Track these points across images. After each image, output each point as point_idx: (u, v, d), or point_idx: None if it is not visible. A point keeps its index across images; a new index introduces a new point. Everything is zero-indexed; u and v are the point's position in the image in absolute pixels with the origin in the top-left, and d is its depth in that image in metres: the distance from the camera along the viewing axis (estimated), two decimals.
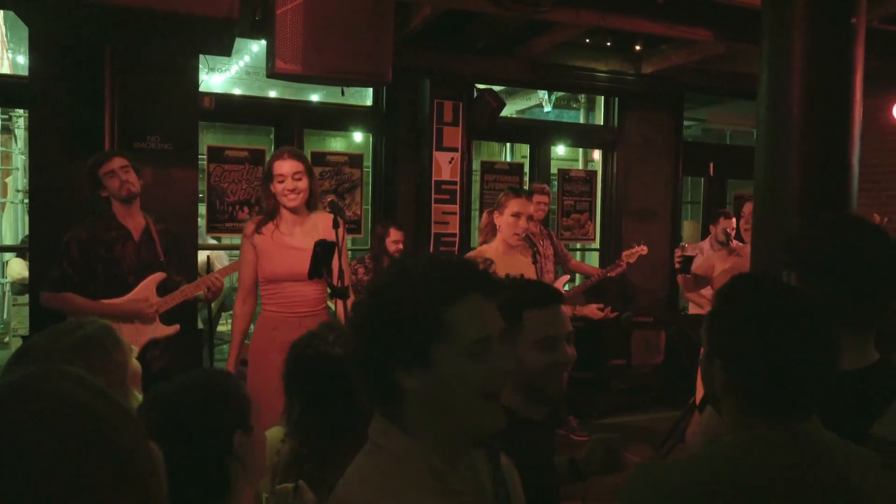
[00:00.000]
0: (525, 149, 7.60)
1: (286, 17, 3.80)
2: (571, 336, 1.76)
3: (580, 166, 8.64)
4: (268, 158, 5.58)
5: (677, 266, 4.65)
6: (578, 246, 7.73)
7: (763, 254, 3.21)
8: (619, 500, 1.25)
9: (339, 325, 1.96)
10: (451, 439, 1.17)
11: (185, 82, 4.91)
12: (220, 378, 1.58)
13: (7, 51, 7.12)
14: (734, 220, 5.96)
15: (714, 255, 5.11)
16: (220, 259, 5.69)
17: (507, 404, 1.29)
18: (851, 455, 1.20)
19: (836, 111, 3.04)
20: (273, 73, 3.93)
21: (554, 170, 7.27)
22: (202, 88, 5.53)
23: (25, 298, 6.03)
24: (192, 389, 1.49)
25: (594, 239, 7.30)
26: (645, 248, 5.69)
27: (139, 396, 1.73)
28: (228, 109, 5.84)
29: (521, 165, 7.22)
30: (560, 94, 8.72)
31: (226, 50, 4.56)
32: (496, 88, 6.34)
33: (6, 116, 8.21)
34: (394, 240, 5.10)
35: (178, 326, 3.68)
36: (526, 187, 5.93)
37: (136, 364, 1.75)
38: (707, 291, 4.92)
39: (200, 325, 5.13)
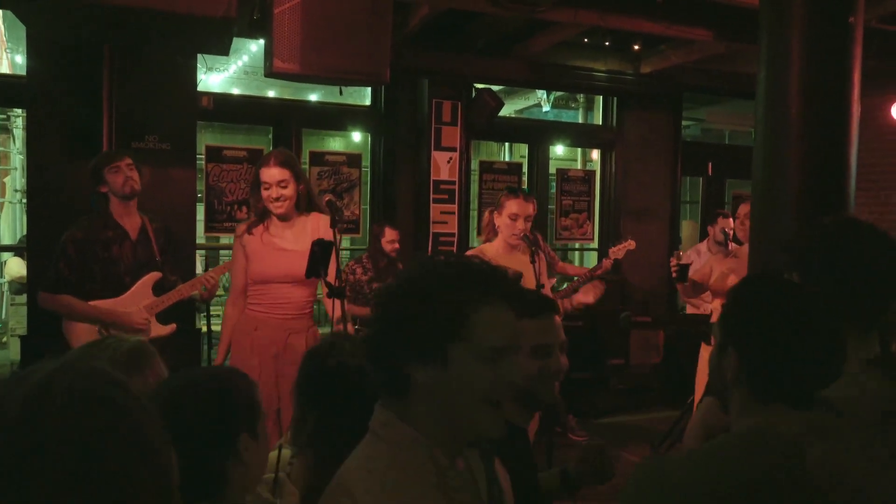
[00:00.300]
0: (524, 148, 7.60)
1: (284, 17, 3.80)
2: (565, 345, 1.77)
3: (579, 166, 8.64)
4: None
5: (674, 275, 4.63)
6: (577, 246, 7.73)
7: (761, 253, 3.21)
8: (621, 499, 1.26)
9: (352, 335, 1.95)
10: (452, 437, 1.18)
11: (184, 82, 4.91)
12: (232, 376, 1.57)
13: (6, 50, 7.11)
14: (732, 220, 5.96)
15: (711, 258, 5.10)
16: None
17: None
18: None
19: (834, 110, 3.04)
20: (271, 73, 3.93)
21: (552, 169, 7.27)
22: (200, 88, 5.53)
23: (23, 298, 6.02)
24: (202, 384, 1.48)
25: (592, 239, 7.30)
26: (632, 242, 5.60)
27: None
28: (227, 109, 5.84)
29: (520, 165, 7.22)
30: (559, 93, 8.72)
31: (224, 49, 4.56)
32: (495, 88, 6.34)
33: (4, 116, 8.21)
34: (389, 239, 5.08)
35: (174, 326, 3.68)
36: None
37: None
38: (707, 296, 4.90)
39: (199, 325, 5.13)
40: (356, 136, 7.29)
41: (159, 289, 3.65)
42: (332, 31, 3.90)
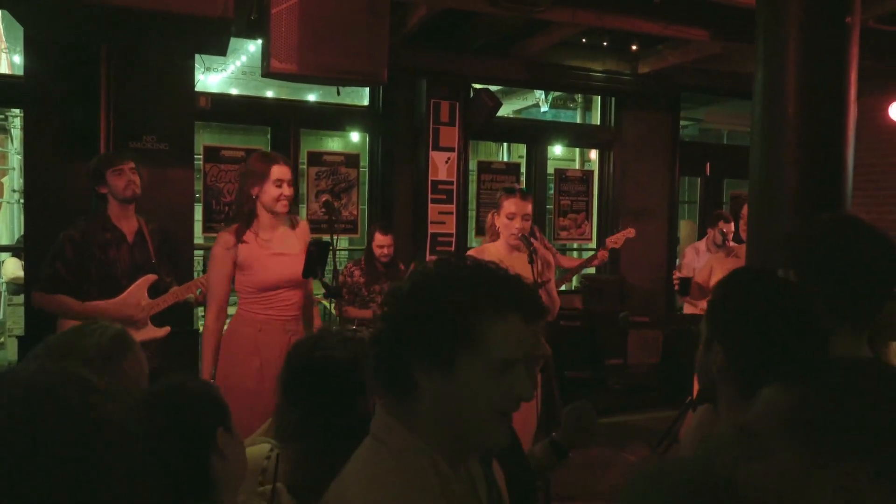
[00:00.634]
0: (522, 148, 7.61)
1: (281, 17, 3.79)
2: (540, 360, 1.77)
3: (577, 166, 8.64)
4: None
5: (676, 289, 4.63)
6: (575, 246, 7.73)
7: (759, 252, 3.21)
8: (618, 501, 1.27)
9: (339, 329, 1.95)
10: (456, 445, 1.15)
11: (181, 82, 4.91)
12: (198, 381, 1.62)
13: (4, 51, 7.11)
14: (732, 223, 5.96)
15: (712, 258, 5.10)
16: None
17: None
18: None
19: (831, 110, 3.04)
20: (268, 73, 3.92)
21: (551, 170, 7.27)
22: (198, 88, 5.53)
23: (21, 298, 6.02)
24: (173, 390, 1.51)
25: (591, 239, 7.30)
26: (632, 230, 5.59)
27: None
28: (225, 109, 5.84)
29: (518, 165, 7.22)
30: (557, 93, 8.73)
31: (221, 49, 4.55)
32: (493, 88, 6.35)
33: (2, 116, 8.21)
34: (378, 244, 4.96)
35: (168, 328, 3.67)
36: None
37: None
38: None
39: (196, 326, 5.13)
40: (354, 136, 7.30)
41: (155, 291, 3.64)
42: (329, 30, 3.90)
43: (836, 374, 0.96)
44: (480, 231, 6.58)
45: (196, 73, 5.19)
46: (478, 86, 6.30)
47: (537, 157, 7.13)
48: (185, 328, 4.82)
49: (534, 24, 5.68)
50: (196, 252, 5.80)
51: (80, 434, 0.73)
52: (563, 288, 5.66)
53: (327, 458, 1.77)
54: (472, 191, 6.66)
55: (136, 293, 3.57)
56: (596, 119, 7.53)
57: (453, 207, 6.21)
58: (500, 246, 3.84)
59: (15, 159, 8.31)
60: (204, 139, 6.39)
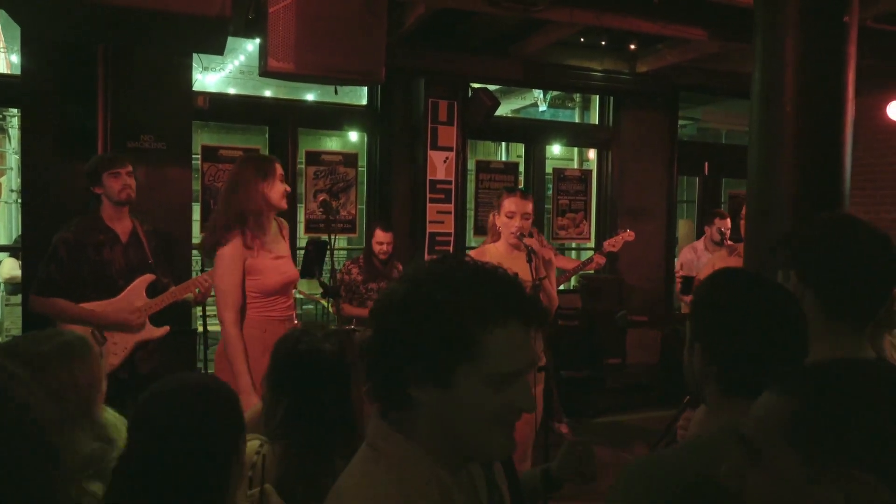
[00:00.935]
0: (520, 148, 7.61)
1: (279, 16, 3.79)
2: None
3: (575, 165, 8.65)
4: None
5: (678, 289, 4.64)
6: (574, 245, 7.73)
7: (757, 251, 3.21)
8: (609, 495, 1.28)
9: (324, 322, 1.96)
10: (455, 454, 1.11)
11: (179, 81, 4.90)
12: (219, 381, 1.60)
13: (1, 50, 7.10)
14: (729, 220, 5.97)
15: (714, 256, 5.10)
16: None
17: None
18: None
19: (829, 109, 3.04)
20: (266, 72, 3.92)
21: (549, 169, 7.27)
22: (196, 88, 5.53)
23: (19, 298, 6.01)
24: (199, 389, 1.50)
25: (589, 238, 7.30)
26: (631, 233, 5.60)
27: (110, 410, 1.72)
28: (223, 109, 5.83)
29: (517, 165, 7.22)
30: (555, 93, 8.73)
31: (219, 49, 4.54)
32: (491, 87, 6.34)
33: (0, 116, 8.19)
34: (378, 241, 4.99)
35: (167, 328, 3.67)
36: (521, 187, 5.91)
37: (104, 385, 1.75)
38: None
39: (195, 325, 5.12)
40: (352, 135, 7.29)
41: (152, 291, 3.64)
42: (327, 30, 3.89)
43: (836, 377, 0.94)
44: (479, 230, 6.58)
45: (194, 72, 5.18)
46: (476, 85, 6.30)
47: (536, 157, 7.13)
48: (184, 328, 4.82)
49: (532, 23, 5.68)
50: (194, 252, 5.80)
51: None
52: (561, 288, 5.65)
53: (315, 451, 1.77)
54: (471, 190, 6.66)
55: (134, 294, 3.56)
56: (594, 118, 7.53)
57: (451, 207, 6.20)
58: (500, 246, 3.84)
59: (13, 159, 8.30)
60: (202, 139, 6.39)
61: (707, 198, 7.84)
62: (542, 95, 8.85)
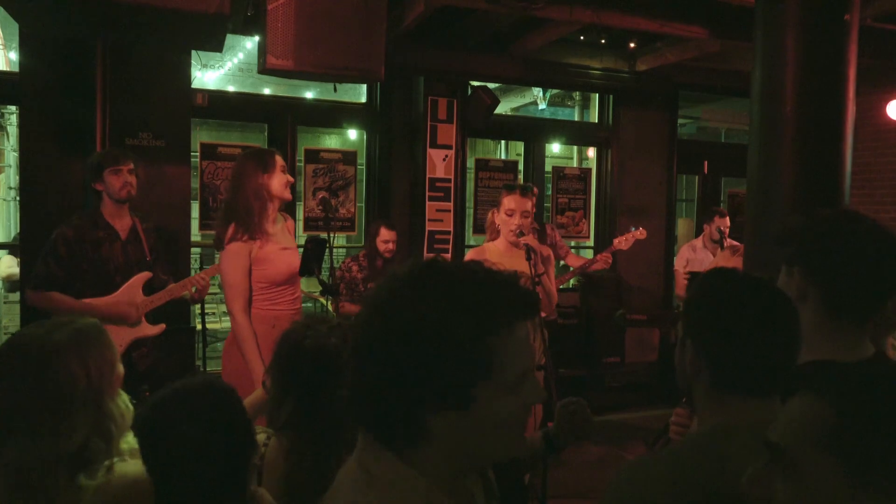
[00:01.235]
0: (520, 146, 7.59)
1: (277, 13, 3.78)
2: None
3: (575, 164, 8.64)
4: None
5: (685, 284, 4.63)
6: (573, 244, 7.72)
7: (756, 250, 3.21)
8: (605, 494, 1.28)
9: (328, 316, 1.96)
10: (461, 471, 1.05)
11: (178, 79, 4.90)
12: (219, 379, 1.63)
13: (1, 47, 7.08)
14: (728, 218, 5.96)
15: (719, 257, 5.10)
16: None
17: None
18: None
19: (830, 109, 3.04)
20: (264, 69, 3.91)
21: (548, 167, 7.27)
22: (195, 85, 5.52)
23: (17, 296, 6.00)
24: (226, 391, 1.53)
25: (588, 237, 7.30)
26: (643, 231, 5.58)
27: (125, 396, 1.72)
28: (221, 106, 5.82)
29: (516, 163, 7.21)
30: (555, 91, 8.71)
31: (218, 46, 4.53)
32: (490, 86, 6.33)
33: None
34: (384, 239, 4.99)
35: (163, 326, 3.66)
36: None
37: (120, 368, 1.74)
38: None
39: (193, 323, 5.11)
40: (352, 133, 7.27)
41: (150, 288, 3.63)
42: (326, 27, 3.89)
43: (877, 382, 0.89)
44: (478, 229, 6.57)
45: (193, 70, 5.17)
46: (475, 83, 6.29)
47: (535, 155, 7.12)
48: (182, 325, 4.82)
49: (531, 21, 5.67)
50: (193, 249, 5.79)
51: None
52: (560, 286, 5.64)
53: (320, 446, 1.77)
54: (470, 188, 6.65)
55: (131, 290, 3.56)
56: (594, 117, 7.52)
57: (451, 205, 6.20)
58: (499, 244, 3.85)
59: (11, 156, 8.28)
60: (201, 136, 6.37)
61: (706, 196, 7.84)
62: (541, 93, 8.84)
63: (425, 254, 6.01)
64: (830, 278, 1.54)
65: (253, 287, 3.21)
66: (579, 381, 6.41)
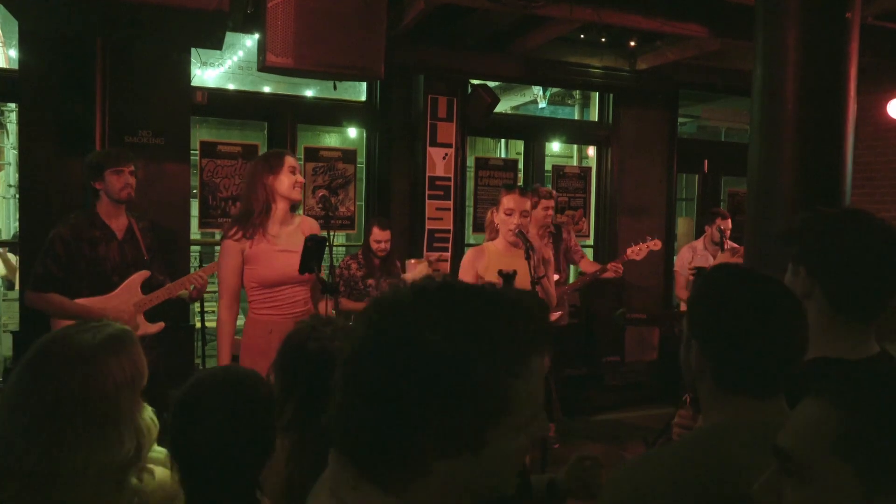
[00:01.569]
0: (520, 145, 7.59)
1: (277, 11, 3.78)
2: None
3: (574, 163, 8.63)
4: (261, 153, 5.57)
5: (690, 279, 4.63)
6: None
7: (757, 250, 3.21)
8: (604, 493, 1.28)
9: (332, 318, 1.95)
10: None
11: (177, 77, 4.89)
12: (256, 373, 1.67)
13: (1, 44, 7.07)
14: (729, 220, 5.95)
15: (718, 259, 5.11)
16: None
17: None
18: None
19: (831, 107, 3.03)
20: (264, 67, 3.91)
21: (548, 166, 7.26)
22: (195, 83, 5.51)
23: (16, 294, 5.99)
24: (259, 379, 1.57)
25: (588, 235, 7.29)
26: (658, 242, 5.53)
27: (149, 408, 1.71)
28: (221, 104, 5.81)
29: (516, 162, 7.20)
30: (555, 90, 8.71)
31: (217, 44, 4.53)
32: (490, 84, 6.32)
33: None
34: (376, 238, 4.96)
35: (162, 324, 3.65)
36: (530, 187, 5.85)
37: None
38: None
39: (193, 321, 5.11)
40: (352, 131, 7.27)
41: (148, 287, 3.63)
42: (325, 25, 3.88)
43: (873, 383, 0.87)
44: (478, 228, 6.56)
45: (193, 68, 5.16)
46: (475, 82, 6.28)
47: (535, 154, 7.11)
48: (181, 324, 4.81)
49: (531, 19, 5.66)
50: (192, 247, 5.79)
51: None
52: (570, 291, 5.64)
53: (322, 448, 1.76)
54: (470, 187, 6.64)
55: (129, 290, 3.55)
56: (594, 115, 7.51)
57: (451, 204, 6.19)
58: (498, 244, 3.85)
59: (11, 154, 8.28)
60: (200, 134, 6.37)
61: (706, 196, 7.83)
62: (541, 92, 8.84)
63: (424, 252, 6.00)
64: (835, 277, 1.53)
65: (248, 288, 3.24)
66: (579, 379, 6.42)
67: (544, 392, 0.94)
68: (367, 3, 3.98)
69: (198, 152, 5.54)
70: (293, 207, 3.34)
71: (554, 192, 5.52)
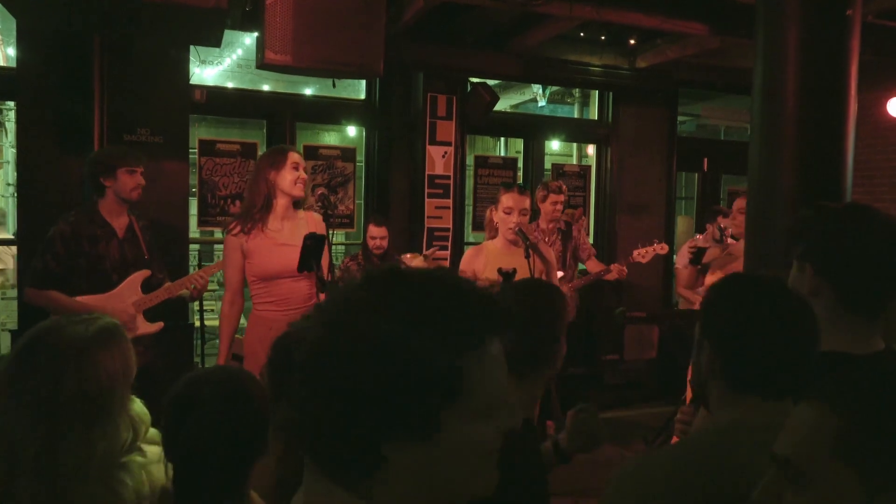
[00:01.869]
0: (519, 143, 7.58)
1: (276, 8, 3.77)
2: None
3: (574, 161, 8.63)
4: (260, 152, 5.56)
5: (690, 257, 4.63)
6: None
7: (757, 248, 3.20)
8: (606, 492, 1.28)
9: None
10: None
11: (176, 75, 4.87)
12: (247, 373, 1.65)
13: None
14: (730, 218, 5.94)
15: (710, 252, 5.09)
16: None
17: None
18: None
19: (831, 106, 3.03)
20: (263, 65, 3.90)
21: (548, 164, 7.25)
22: (194, 81, 5.49)
23: (14, 292, 5.98)
24: (252, 381, 1.56)
25: (588, 234, 7.28)
26: (664, 246, 5.46)
27: (137, 400, 1.70)
28: (220, 102, 5.80)
29: (515, 160, 7.20)
30: (554, 88, 8.70)
31: (216, 41, 4.52)
32: (490, 82, 6.31)
33: None
34: (372, 235, 4.95)
35: (161, 324, 3.64)
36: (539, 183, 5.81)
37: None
38: (703, 290, 4.90)
39: (192, 320, 5.10)
40: (351, 130, 7.25)
41: (147, 287, 3.62)
42: (324, 22, 3.87)
43: (870, 384, 0.86)
44: (477, 226, 6.56)
45: (191, 66, 5.15)
46: (475, 80, 6.27)
47: (535, 152, 7.11)
48: (180, 323, 4.80)
49: (531, 17, 5.65)
50: (191, 246, 5.78)
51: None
52: (573, 290, 5.62)
53: None
54: (469, 185, 6.64)
55: (128, 289, 3.54)
56: (593, 114, 7.51)
57: (450, 202, 6.18)
58: (498, 242, 3.84)
59: (9, 152, 8.26)
60: (199, 132, 6.35)
61: (706, 194, 7.83)
62: (541, 90, 8.83)
63: (424, 251, 5.99)
64: (842, 273, 1.53)
65: (249, 282, 3.29)
66: (578, 378, 6.40)
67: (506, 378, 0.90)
68: (366, 1, 3.97)
69: (197, 150, 5.53)
70: (297, 204, 3.34)
71: (564, 186, 5.41)
